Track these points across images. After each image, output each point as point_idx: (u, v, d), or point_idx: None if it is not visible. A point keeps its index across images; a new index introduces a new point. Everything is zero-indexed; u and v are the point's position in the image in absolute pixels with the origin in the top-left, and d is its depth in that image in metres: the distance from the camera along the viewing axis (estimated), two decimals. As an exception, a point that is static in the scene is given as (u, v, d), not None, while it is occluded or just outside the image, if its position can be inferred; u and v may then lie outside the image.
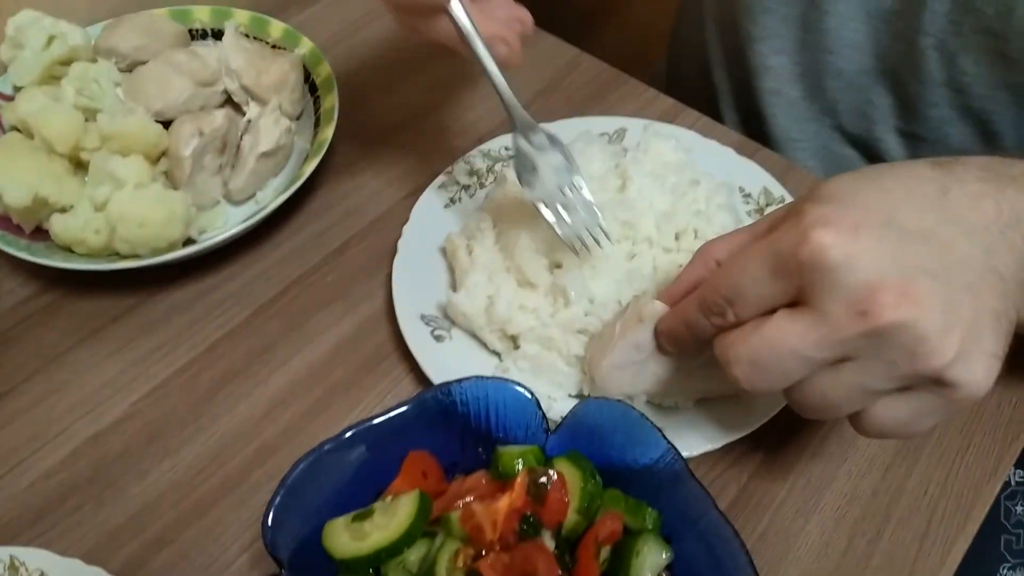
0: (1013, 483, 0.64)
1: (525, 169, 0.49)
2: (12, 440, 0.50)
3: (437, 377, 0.49)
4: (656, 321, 0.43)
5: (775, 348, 0.34)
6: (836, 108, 0.71)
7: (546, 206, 0.48)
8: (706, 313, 0.38)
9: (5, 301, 0.56)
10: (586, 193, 0.49)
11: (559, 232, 0.48)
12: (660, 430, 0.39)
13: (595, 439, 0.41)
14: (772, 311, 0.35)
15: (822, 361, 0.34)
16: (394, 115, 0.67)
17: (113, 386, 0.52)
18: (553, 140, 0.49)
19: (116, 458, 0.49)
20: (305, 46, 0.64)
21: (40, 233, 0.56)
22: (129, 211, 0.51)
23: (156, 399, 0.52)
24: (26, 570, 0.41)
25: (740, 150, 0.61)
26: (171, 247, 0.53)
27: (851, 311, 0.33)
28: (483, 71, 0.48)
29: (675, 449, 0.39)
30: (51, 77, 0.61)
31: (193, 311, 0.56)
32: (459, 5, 0.46)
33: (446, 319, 0.52)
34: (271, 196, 0.59)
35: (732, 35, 0.73)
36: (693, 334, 0.40)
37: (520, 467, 0.39)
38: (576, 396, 0.49)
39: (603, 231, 0.49)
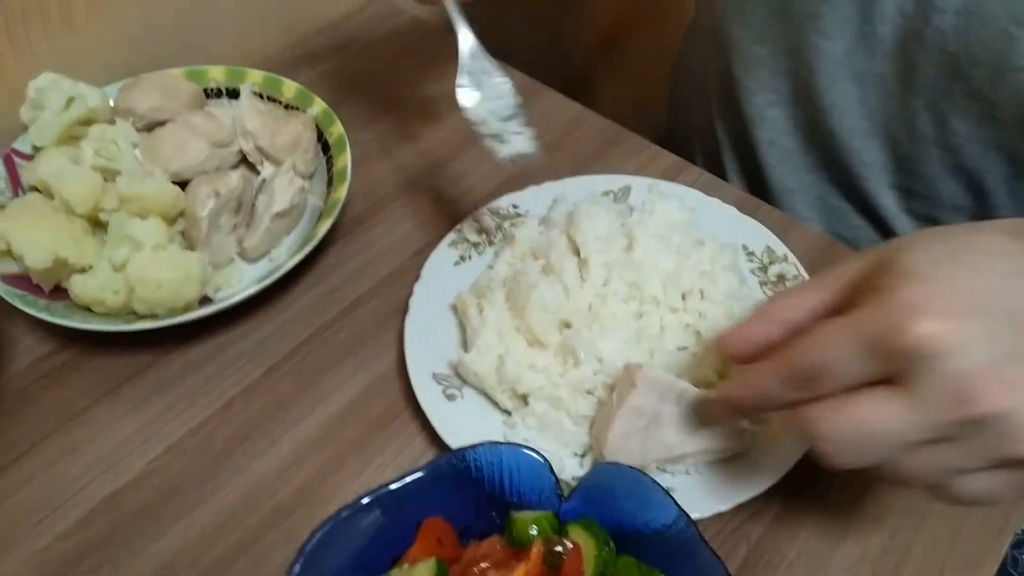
0: (1020, 531, 0.65)
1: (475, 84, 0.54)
2: (30, 500, 0.51)
3: (450, 437, 0.49)
4: (716, 391, 0.43)
5: (869, 428, 0.35)
6: (830, 162, 0.72)
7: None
8: (787, 387, 0.38)
9: (23, 359, 0.57)
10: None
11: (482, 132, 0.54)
12: (672, 496, 0.40)
13: (607, 504, 0.41)
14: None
15: (915, 443, 0.35)
16: (403, 172, 0.68)
17: (130, 445, 0.53)
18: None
19: (133, 518, 0.50)
20: (318, 106, 0.65)
21: (59, 291, 0.57)
22: (148, 273, 0.53)
23: (172, 457, 0.52)
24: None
25: (742, 207, 0.62)
26: (187, 307, 0.55)
27: (950, 398, 0.33)
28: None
29: (687, 516, 0.40)
30: (70, 137, 0.62)
31: (208, 369, 0.57)
32: None
33: (457, 377, 0.53)
34: (285, 254, 0.61)
35: (729, 86, 0.75)
36: (764, 403, 0.40)
37: (534, 533, 0.40)
38: (581, 455, 0.50)
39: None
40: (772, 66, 0.70)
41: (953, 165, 0.65)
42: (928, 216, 0.71)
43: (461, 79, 0.54)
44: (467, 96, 0.54)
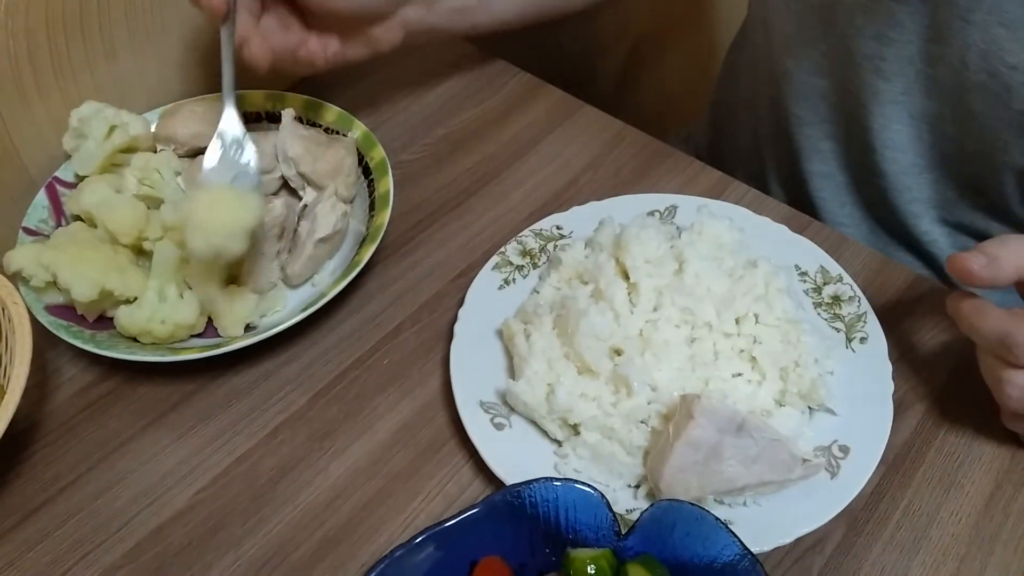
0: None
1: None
2: (77, 532, 0.50)
3: (498, 467, 0.48)
4: (952, 295, 0.48)
5: None
6: (880, 199, 0.71)
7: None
8: (1002, 347, 0.44)
9: (67, 388, 0.57)
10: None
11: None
12: (735, 534, 0.39)
13: (667, 541, 0.40)
14: None
15: None
16: (443, 193, 0.68)
17: (175, 475, 0.53)
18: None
19: (179, 551, 0.49)
20: (358, 129, 0.65)
21: (104, 320, 0.57)
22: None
23: (218, 488, 0.52)
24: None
25: (792, 225, 0.61)
26: (234, 337, 0.54)
27: None
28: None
29: (751, 554, 0.38)
30: (113, 165, 0.63)
31: (252, 397, 0.56)
32: None
33: (505, 405, 0.52)
34: (327, 279, 0.60)
35: (782, 116, 0.74)
36: (976, 334, 0.46)
37: (592, 571, 0.39)
38: (635, 487, 0.49)
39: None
40: (829, 99, 0.69)
41: (1000, 212, 0.64)
42: None
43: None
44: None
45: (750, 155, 0.81)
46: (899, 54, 0.62)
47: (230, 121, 0.56)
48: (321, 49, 0.58)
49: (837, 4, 0.64)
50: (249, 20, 0.56)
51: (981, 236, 0.68)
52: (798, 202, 0.76)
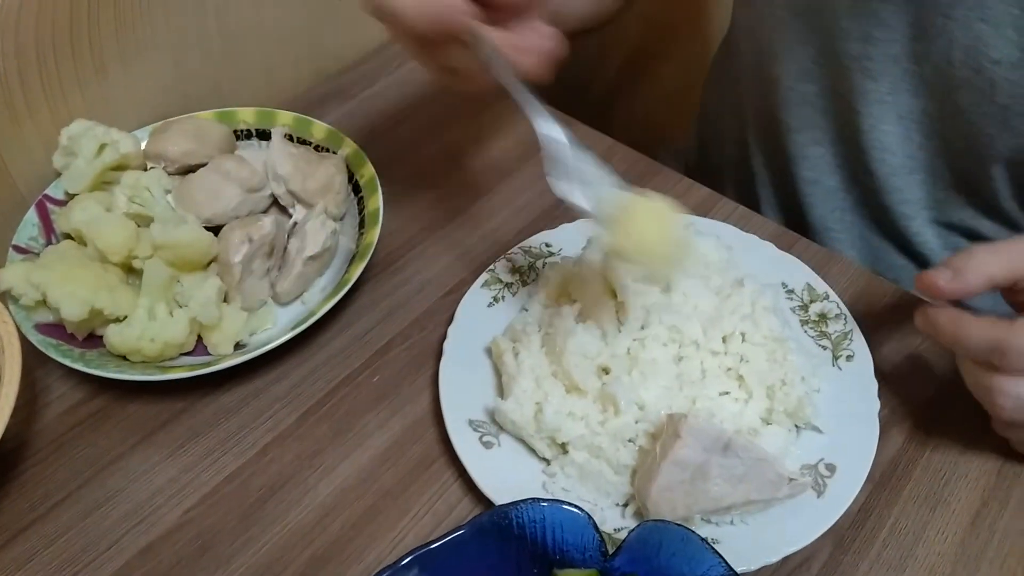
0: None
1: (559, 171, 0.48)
2: (66, 551, 0.50)
3: (488, 487, 0.49)
4: (925, 311, 0.48)
5: None
6: (871, 201, 0.71)
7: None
8: (990, 351, 0.45)
9: (57, 406, 0.57)
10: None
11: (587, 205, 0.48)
12: (721, 555, 0.39)
13: (654, 562, 0.40)
14: None
15: None
16: (433, 211, 0.68)
17: (164, 494, 0.53)
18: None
19: (168, 570, 0.49)
20: (348, 147, 0.65)
21: (93, 338, 0.57)
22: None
23: (207, 507, 0.52)
24: None
25: (779, 242, 0.61)
26: (223, 355, 0.54)
27: None
28: (512, 93, 0.47)
29: (736, 575, 0.38)
30: (103, 183, 0.63)
31: (241, 415, 0.56)
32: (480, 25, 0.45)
33: (494, 424, 0.52)
34: (317, 296, 0.60)
35: (770, 123, 0.74)
36: (957, 345, 0.46)
37: (579, 592, 0.39)
38: (623, 505, 0.49)
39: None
40: (817, 104, 0.69)
41: (991, 208, 0.64)
42: None
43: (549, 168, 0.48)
44: (559, 186, 0.49)
45: (739, 164, 0.81)
46: (885, 53, 0.62)
47: (556, 130, 0.48)
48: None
49: (823, 7, 0.64)
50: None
51: (972, 234, 0.68)
52: (788, 208, 0.77)
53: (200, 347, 0.58)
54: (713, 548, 0.39)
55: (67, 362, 0.53)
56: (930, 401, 0.55)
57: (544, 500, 0.41)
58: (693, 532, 0.40)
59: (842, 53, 0.64)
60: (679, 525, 0.40)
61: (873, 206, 0.71)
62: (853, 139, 0.68)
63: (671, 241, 0.47)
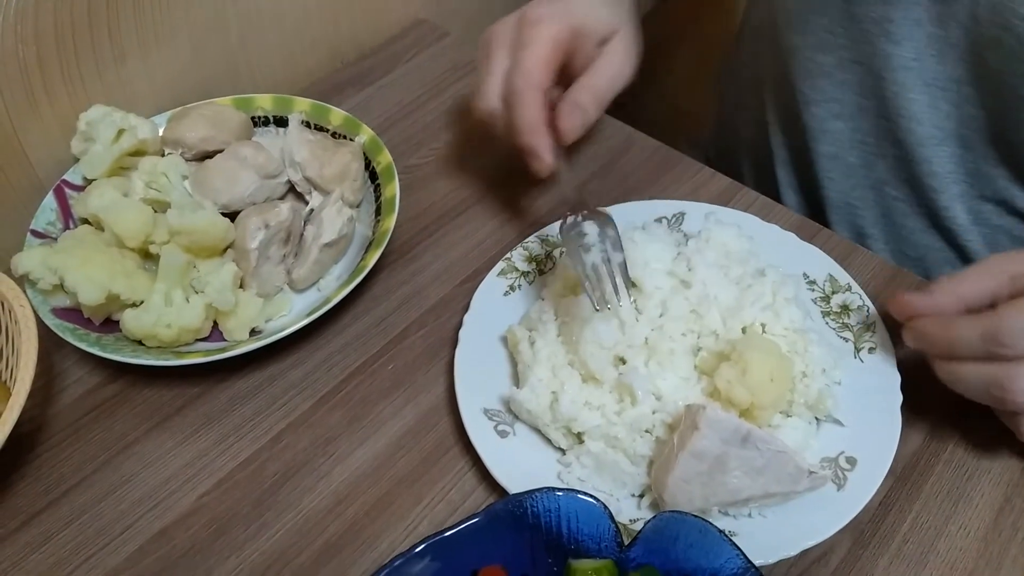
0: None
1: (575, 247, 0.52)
2: (80, 534, 0.50)
3: (503, 476, 0.48)
4: (909, 321, 0.48)
5: None
6: (897, 175, 0.70)
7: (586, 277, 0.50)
8: (985, 341, 0.44)
9: (73, 390, 0.57)
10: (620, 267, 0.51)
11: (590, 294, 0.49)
12: (739, 547, 0.38)
13: (670, 553, 0.40)
14: None
15: None
16: (449, 199, 0.67)
17: (179, 479, 0.53)
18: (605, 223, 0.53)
19: (182, 555, 0.49)
20: (365, 134, 0.65)
21: (110, 323, 0.57)
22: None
23: (221, 493, 0.52)
24: None
25: (801, 232, 0.60)
26: (239, 341, 0.54)
27: None
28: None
29: (754, 567, 0.38)
30: (120, 169, 0.63)
31: (256, 401, 0.56)
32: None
33: (509, 413, 0.52)
34: (333, 284, 0.60)
35: (788, 97, 0.73)
36: (950, 347, 0.46)
37: (594, 583, 0.39)
38: (639, 496, 0.49)
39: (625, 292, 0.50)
40: (836, 76, 0.68)
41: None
42: (998, 225, 0.68)
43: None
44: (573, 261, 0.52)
45: (757, 145, 0.80)
46: (906, 16, 0.61)
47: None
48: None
49: None
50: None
51: (1006, 205, 0.66)
52: (808, 187, 0.75)
53: (216, 333, 0.57)
54: (731, 540, 0.39)
55: (83, 346, 0.53)
56: (954, 396, 0.53)
57: (559, 489, 0.41)
58: (711, 524, 0.39)
59: (862, 17, 0.63)
60: (696, 516, 0.40)
61: (898, 181, 0.69)
62: (876, 109, 0.66)
63: (784, 384, 0.48)
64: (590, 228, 0.52)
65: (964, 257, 0.71)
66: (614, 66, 0.59)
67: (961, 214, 0.68)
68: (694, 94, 1.19)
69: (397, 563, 0.39)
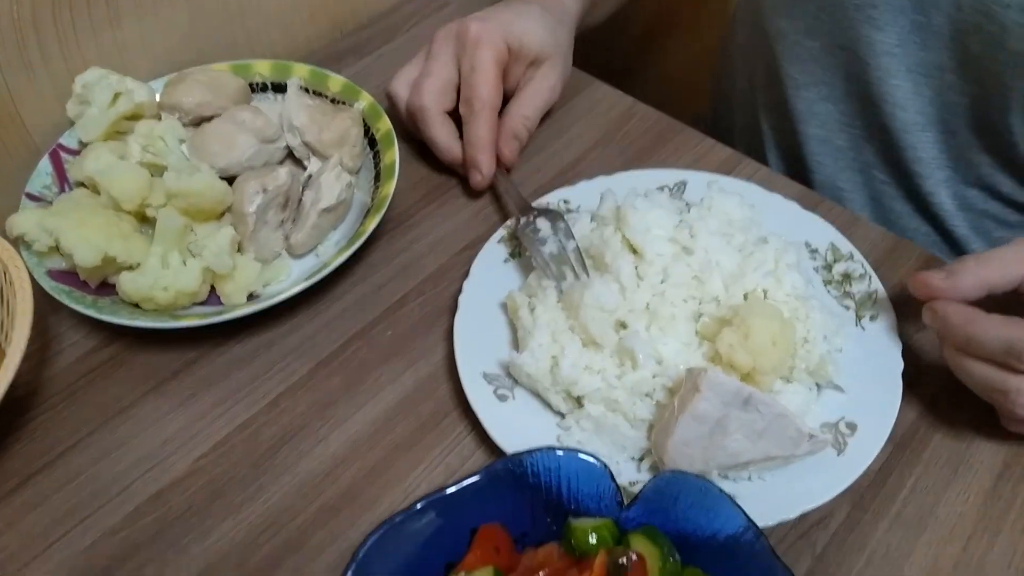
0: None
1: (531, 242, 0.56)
2: (75, 496, 0.50)
3: (501, 438, 0.48)
4: (931, 303, 0.47)
5: None
6: (884, 159, 0.70)
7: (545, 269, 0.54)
8: (1007, 350, 0.43)
9: (69, 354, 0.57)
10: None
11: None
12: (739, 505, 0.38)
13: (671, 513, 0.40)
14: None
15: None
16: (449, 168, 0.67)
17: (175, 442, 0.52)
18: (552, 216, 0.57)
19: (178, 517, 0.49)
20: (364, 100, 0.64)
21: (105, 287, 0.56)
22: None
23: (218, 456, 0.52)
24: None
25: (803, 203, 0.60)
26: (236, 305, 0.54)
27: None
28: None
29: (755, 527, 0.38)
30: (116, 133, 0.62)
31: (254, 365, 0.56)
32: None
33: (509, 377, 0.52)
34: (331, 250, 0.60)
35: (777, 81, 0.73)
36: (969, 342, 0.45)
37: (594, 541, 0.39)
38: (638, 459, 0.49)
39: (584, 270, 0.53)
40: (823, 60, 0.68)
41: (1009, 160, 0.63)
42: (983, 210, 0.68)
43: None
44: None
45: (749, 128, 0.80)
46: (889, 2, 0.61)
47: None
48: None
49: None
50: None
51: (991, 191, 0.67)
52: (797, 172, 0.76)
53: (213, 298, 0.57)
54: (732, 499, 0.39)
55: (79, 308, 0.53)
56: (954, 365, 0.53)
57: (560, 448, 0.41)
58: (711, 483, 0.39)
59: (846, 3, 0.63)
60: (697, 476, 0.40)
61: (885, 165, 0.70)
62: (862, 94, 0.66)
63: (786, 350, 0.47)
64: (542, 224, 0.56)
65: (950, 242, 0.71)
66: (544, 94, 0.65)
67: (947, 200, 0.69)
68: (690, 78, 1.18)
69: (397, 520, 0.39)
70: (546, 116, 0.70)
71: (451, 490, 0.40)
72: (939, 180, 0.68)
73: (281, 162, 0.62)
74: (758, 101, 0.78)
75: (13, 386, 0.48)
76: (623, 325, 0.50)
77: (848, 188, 0.73)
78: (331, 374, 0.55)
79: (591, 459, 0.40)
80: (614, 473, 0.41)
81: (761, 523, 0.43)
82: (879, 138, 0.68)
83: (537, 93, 0.64)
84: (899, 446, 0.50)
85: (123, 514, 0.49)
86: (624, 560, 0.36)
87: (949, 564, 0.46)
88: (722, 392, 0.44)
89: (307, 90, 0.65)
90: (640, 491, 0.40)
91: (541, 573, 0.37)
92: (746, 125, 0.82)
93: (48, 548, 0.48)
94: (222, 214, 0.58)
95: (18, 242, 0.54)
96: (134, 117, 0.62)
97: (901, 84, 0.64)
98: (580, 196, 0.60)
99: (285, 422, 0.53)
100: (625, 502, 0.41)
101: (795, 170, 0.76)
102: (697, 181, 0.60)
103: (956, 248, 0.71)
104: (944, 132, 0.65)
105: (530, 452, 0.40)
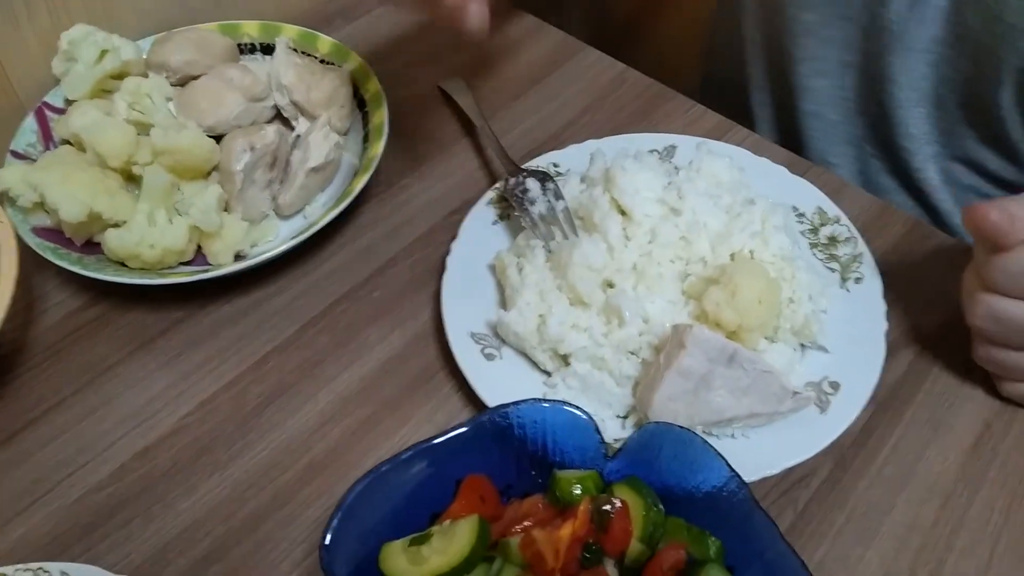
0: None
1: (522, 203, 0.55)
2: (61, 453, 0.50)
3: (488, 396, 0.48)
4: (975, 207, 0.44)
5: None
6: (874, 134, 0.70)
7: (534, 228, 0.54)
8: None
9: (55, 312, 0.57)
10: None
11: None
12: (722, 455, 0.39)
13: (654, 465, 0.40)
14: None
15: None
16: (440, 130, 0.67)
17: (161, 400, 0.52)
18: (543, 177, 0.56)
19: (165, 473, 0.49)
20: (354, 61, 0.64)
21: (91, 246, 0.56)
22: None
23: (204, 414, 0.52)
24: (78, 586, 0.41)
25: (792, 168, 0.60)
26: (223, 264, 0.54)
27: None
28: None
29: (739, 477, 0.38)
30: (103, 91, 0.61)
31: (241, 325, 0.56)
32: None
33: (496, 337, 0.52)
34: (319, 211, 0.59)
35: (775, 55, 0.73)
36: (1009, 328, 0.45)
37: (578, 492, 0.39)
38: (623, 417, 0.49)
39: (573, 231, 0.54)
40: (821, 34, 0.68)
41: (996, 136, 0.63)
42: (968, 185, 0.69)
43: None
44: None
45: (738, 102, 0.80)
46: None
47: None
48: None
49: None
50: None
51: (977, 167, 0.67)
52: (787, 144, 0.76)
53: (200, 258, 0.57)
54: (715, 450, 0.39)
55: (65, 264, 0.52)
56: (937, 328, 0.54)
57: (546, 400, 0.41)
58: (695, 434, 0.39)
59: None
60: (681, 428, 0.40)
61: (875, 139, 0.70)
62: (859, 66, 0.66)
63: (772, 308, 0.47)
64: (532, 184, 0.56)
65: (935, 217, 0.71)
66: None
67: (934, 175, 0.69)
68: (680, 52, 1.18)
69: (384, 469, 0.39)
70: (536, 81, 0.70)
71: (438, 440, 0.40)
72: (927, 155, 0.68)
73: (269, 122, 0.61)
74: (751, 76, 0.78)
75: (-2, 342, 0.48)
76: (610, 284, 0.50)
77: (838, 163, 0.73)
78: (319, 333, 0.55)
79: (576, 411, 0.41)
80: (600, 430, 0.42)
81: (744, 478, 0.43)
82: (872, 111, 0.69)
83: None
84: (881, 406, 0.50)
85: (109, 471, 0.49)
86: (608, 507, 0.37)
87: (928, 520, 0.46)
88: (707, 348, 0.45)
89: (295, 50, 0.64)
90: (624, 443, 0.40)
91: (526, 522, 0.37)
92: (736, 99, 0.82)
93: (33, 504, 0.48)
94: (209, 173, 0.57)
95: (2, 198, 0.54)
96: (120, 75, 0.61)
97: (896, 60, 0.64)
98: (570, 160, 0.60)
99: (272, 380, 0.53)
100: (610, 455, 0.41)
101: (786, 143, 0.76)
102: (687, 145, 0.60)
103: (939, 222, 0.72)
104: (935, 107, 0.65)
105: (516, 404, 0.41)
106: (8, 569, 0.40)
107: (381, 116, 0.60)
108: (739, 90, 0.80)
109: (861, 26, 0.65)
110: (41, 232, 0.54)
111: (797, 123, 0.74)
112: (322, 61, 0.64)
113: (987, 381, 0.51)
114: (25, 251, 0.53)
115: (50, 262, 0.53)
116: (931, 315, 0.54)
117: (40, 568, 0.41)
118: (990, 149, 0.66)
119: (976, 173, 0.68)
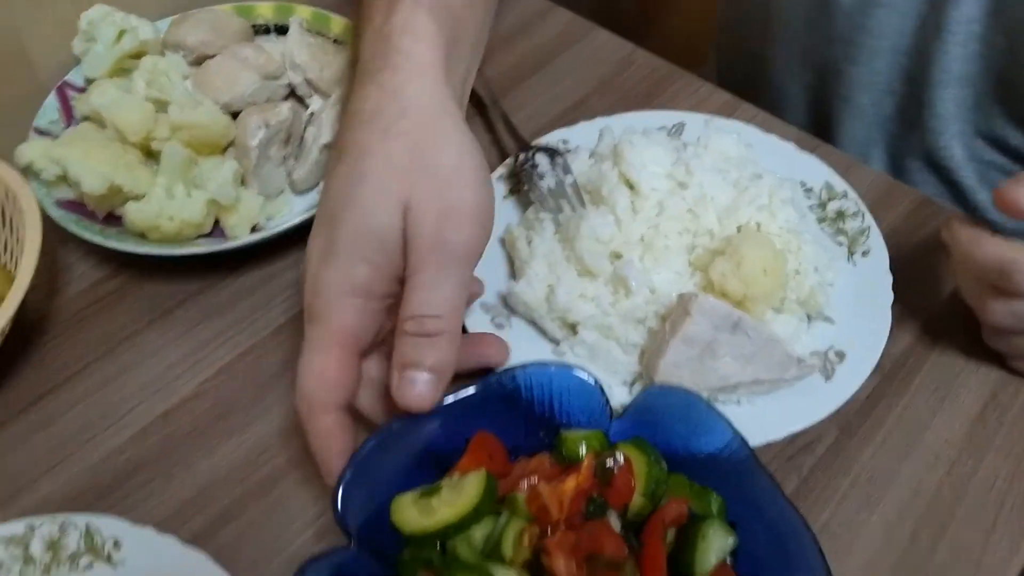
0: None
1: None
2: (83, 417, 0.51)
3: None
4: (951, 221, 0.46)
5: None
6: (901, 115, 0.70)
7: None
8: (1007, 274, 0.43)
9: (78, 283, 0.58)
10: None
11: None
12: (726, 418, 0.39)
13: (659, 427, 0.41)
14: None
15: None
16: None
17: (180, 367, 0.54)
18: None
19: (184, 436, 0.50)
20: (367, 40, 0.65)
21: (112, 218, 0.57)
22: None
23: (222, 381, 0.53)
24: (101, 537, 0.42)
25: (801, 145, 0.60)
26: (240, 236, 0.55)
27: None
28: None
29: (741, 437, 0.39)
30: (121, 70, 0.63)
31: (256, 296, 0.57)
32: None
33: (505, 308, 0.53)
34: (333, 186, 0.60)
35: (815, 40, 0.73)
36: (967, 266, 0.46)
37: (584, 451, 0.40)
38: (631, 384, 0.50)
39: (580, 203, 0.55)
40: (855, 19, 0.68)
41: (1022, 113, 0.63)
42: (991, 161, 0.68)
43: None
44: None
45: (753, 78, 0.80)
46: None
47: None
48: None
49: None
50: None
51: (1000, 143, 0.67)
52: (812, 125, 0.76)
53: (217, 231, 0.58)
54: (719, 412, 0.40)
55: (86, 235, 0.54)
56: (945, 302, 0.54)
57: (552, 363, 0.42)
58: (698, 396, 0.40)
59: None
60: (686, 391, 0.41)
61: (902, 120, 0.70)
62: (892, 53, 0.66)
63: (777, 279, 0.48)
64: (541, 159, 0.57)
65: (957, 195, 0.71)
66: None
67: (958, 152, 0.69)
68: (691, 34, 1.18)
69: (395, 427, 0.40)
70: (546, 62, 0.71)
71: (447, 401, 0.41)
72: (953, 134, 0.68)
73: (284, 99, 0.62)
74: (776, 65, 0.78)
75: (24, 312, 0.49)
76: (618, 256, 0.51)
77: (864, 143, 0.73)
78: (332, 305, 0.56)
79: (582, 374, 0.42)
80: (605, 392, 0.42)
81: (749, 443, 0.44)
82: (897, 94, 0.69)
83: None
84: (887, 376, 0.51)
85: (129, 434, 0.51)
86: (611, 463, 0.37)
87: (932, 487, 0.47)
88: (712, 316, 0.45)
89: (308, 31, 0.65)
90: (629, 405, 0.41)
91: (532, 478, 0.38)
92: (751, 76, 0.81)
93: (57, 465, 0.49)
94: (225, 149, 0.59)
95: (27, 172, 0.56)
96: (138, 55, 0.63)
97: (933, 41, 0.64)
98: (579, 136, 0.61)
99: (288, 349, 0.54)
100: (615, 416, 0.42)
101: (811, 126, 0.76)
102: (695, 122, 0.61)
103: (961, 198, 0.72)
104: (965, 85, 0.65)
105: (523, 367, 0.42)
106: (35, 520, 0.42)
107: (394, 93, 0.61)
108: (757, 66, 0.80)
109: (898, 9, 0.65)
110: (64, 204, 0.56)
111: (826, 105, 0.74)
112: (335, 41, 0.65)
113: (994, 353, 0.51)
114: (49, 226, 0.54)
115: (73, 235, 0.55)
116: (938, 288, 0.55)
117: (66, 519, 0.42)
118: (1014, 126, 0.66)
119: (998, 150, 0.68)
